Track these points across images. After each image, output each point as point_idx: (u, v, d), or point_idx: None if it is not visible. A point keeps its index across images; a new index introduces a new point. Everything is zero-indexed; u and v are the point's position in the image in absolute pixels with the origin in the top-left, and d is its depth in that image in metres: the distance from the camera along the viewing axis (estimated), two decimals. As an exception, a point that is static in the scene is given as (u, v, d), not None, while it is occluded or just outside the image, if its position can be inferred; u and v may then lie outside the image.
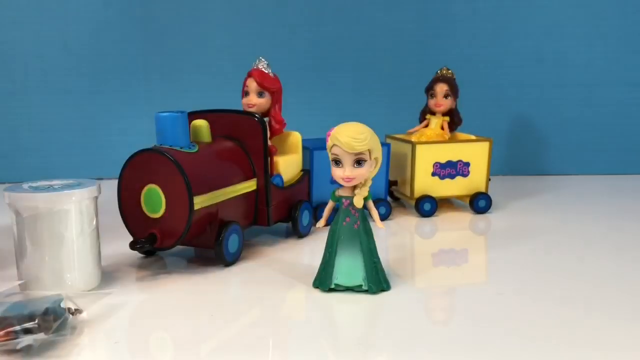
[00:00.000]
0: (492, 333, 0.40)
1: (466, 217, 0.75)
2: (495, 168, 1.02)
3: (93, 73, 1.04)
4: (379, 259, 0.48)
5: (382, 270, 0.48)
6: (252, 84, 0.63)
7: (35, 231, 0.45)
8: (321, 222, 0.49)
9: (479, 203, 0.77)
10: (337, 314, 0.44)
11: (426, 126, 0.81)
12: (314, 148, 0.70)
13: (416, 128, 0.82)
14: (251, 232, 0.66)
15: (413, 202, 0.76)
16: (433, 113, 0.80)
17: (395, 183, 0.80)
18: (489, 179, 0.78)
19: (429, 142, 0.76)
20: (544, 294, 0.47)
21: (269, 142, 0.61)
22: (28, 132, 1.04)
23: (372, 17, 1.06)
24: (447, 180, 0.76)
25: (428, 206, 0.75)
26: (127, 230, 0.54)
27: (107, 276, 0.52)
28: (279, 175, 0.63)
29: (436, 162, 0.76)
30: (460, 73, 0.82)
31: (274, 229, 0.68)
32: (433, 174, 0.76)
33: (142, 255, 0.58)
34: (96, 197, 0.47)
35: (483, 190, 0.78)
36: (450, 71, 0.80)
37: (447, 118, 0.79)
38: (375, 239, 0.48)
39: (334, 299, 0.46)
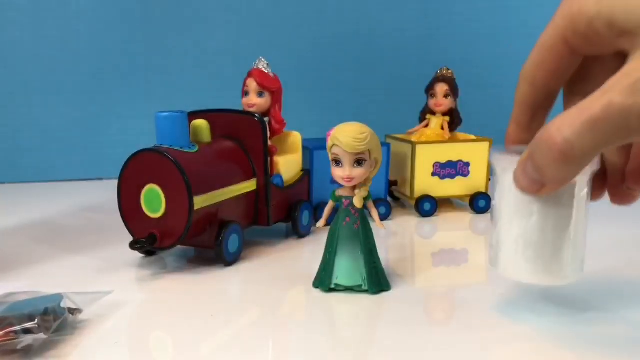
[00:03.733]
0: (492, 333, 0.40)
1: (466, 217, 0.75)
2: (496, 168, 1.02)
3: (93, 73, 1.04)
4: (379, 259, 0.48)
5: (382, 271, 0.48)
6: (252, 84, 0.63)
7: None
8: (321, 222, 0.49)
9: (479, 203, 0.77)
10: (337, 314, 0.44)
11: (426, 126, 0.81)
12: (314, 148, 0.70)
13: (416, 128, 0.82)
14: (251, 232, 0.66)
15: (413, 202, 0.76)
16: (433, 113, 0.80)
17: (395, 183, 0.80)
18: (489, 179, 0.78)
19: (429, 142, 0.76)
20: (544, 294, 0.47)
21: (269, 142, 0.61)
22: (28, 132, 1.04)
23: (372, 16, 1.06)
24: (447, 180, 0.76)
25: (428, 206, 0.75)
26: (127, 230, 0.54)
27: (107, 276, 0.52)
28: (279, 175, 0.63)
29: (436, 162, 0.76)
30: (461, 73, 0.82)
31: (274, 229, 0.68)
32: (433, 174, 0.76)
33: (142, 255, 0.58)
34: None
35: (483, 190, 0.78)
36: (450, 71, 0.80)
37: (447, 118, 0.79)
38: (375, 239, 0.48)
39: (334, 299, 0.46)
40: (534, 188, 0.32)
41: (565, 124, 0.27)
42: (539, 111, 0.36)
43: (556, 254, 0.40)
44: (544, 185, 0.31)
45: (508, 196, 0.39)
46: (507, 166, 0.38)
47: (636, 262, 0.55)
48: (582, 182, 0.39)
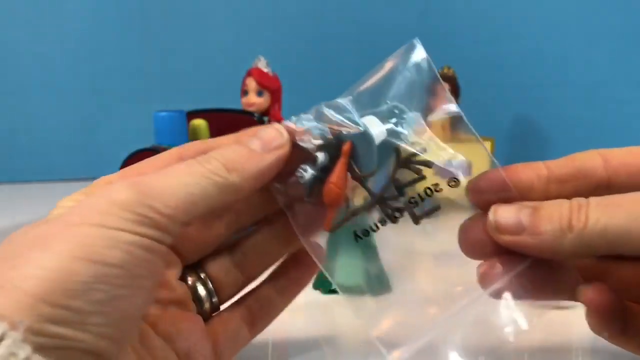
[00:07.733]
0: (492, 333, 0.39)
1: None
2: (496, 168, 1.02)
3: (91, 72, 1.03)
4: (379, 259, 0.47)
5: (383, 271, 0.47)
6: (251, 83, 0.63)
7: None
8: (321, 222, 0.49)
9: (480, 203, 0.76)
10: (338, 316, 0.43)
11: (427, 126, 0.80)
12: (313, 148, 0.69)
13: (417, 128, 0.81)
14: (250, 232, 0.66)
15: (413, 202, 0.75)
16: (434, 112, 0.80)
17: (395, 183, 0.80)
18: (490, 179, 0.78)
19: (429, 141, 0.75)
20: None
21: (269, 142, 0.61)
22: (26, 131, 1.04)
23: (373, 15, 1.06)
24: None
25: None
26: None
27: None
28: (279, 175, 0.63)
29: (437, 162, 0.75)
30: (462, 72, 0.81)
31: (274, 229, 0.68)
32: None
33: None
34: None
35: (484, 190, 0.77)
36: (451, 70, 0.79)
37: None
38: (375, 239, 0.47)
39: (334, 300, 0.45)
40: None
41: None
42: None
43: None
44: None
45: None
46: None
47: None
48: None
